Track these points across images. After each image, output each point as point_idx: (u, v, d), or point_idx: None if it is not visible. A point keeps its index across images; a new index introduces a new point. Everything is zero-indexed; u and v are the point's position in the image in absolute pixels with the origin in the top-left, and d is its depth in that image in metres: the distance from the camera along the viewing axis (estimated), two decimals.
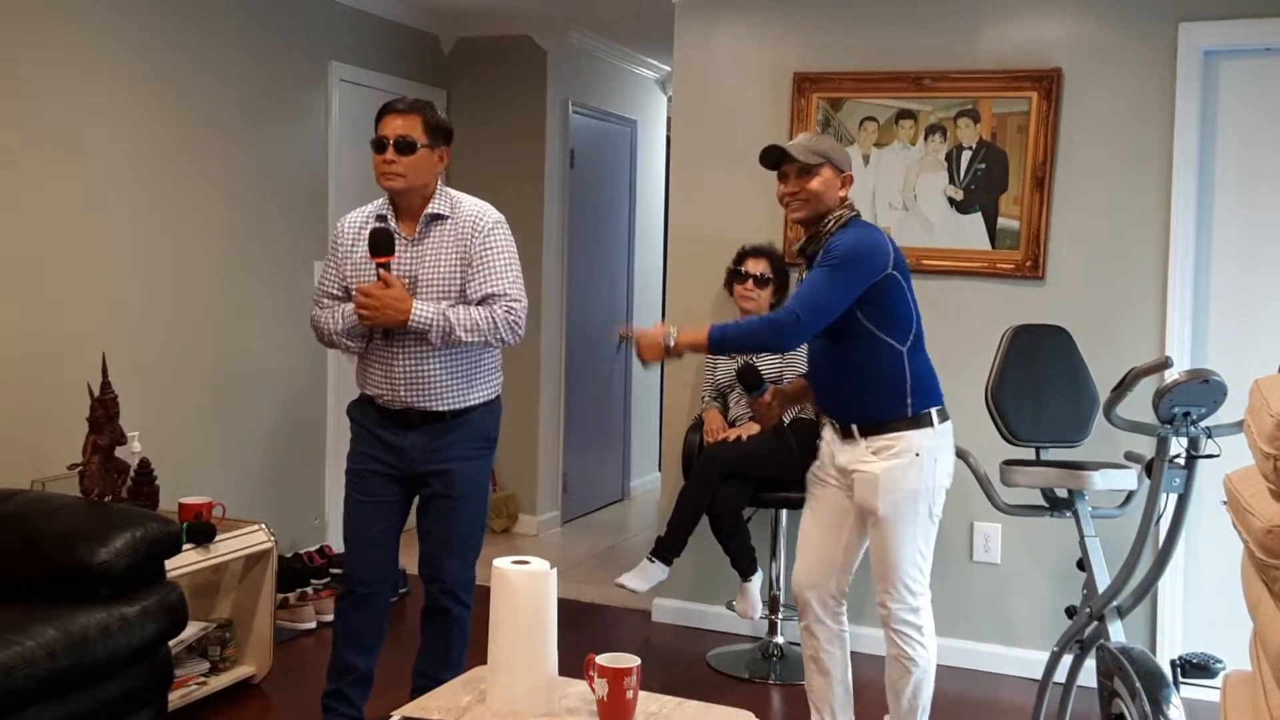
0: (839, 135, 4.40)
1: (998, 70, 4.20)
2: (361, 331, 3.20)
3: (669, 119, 5.99)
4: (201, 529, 3.70)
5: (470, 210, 3.25)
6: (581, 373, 6.54)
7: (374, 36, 5.56)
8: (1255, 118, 4.00)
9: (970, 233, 4.27)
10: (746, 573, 4.25)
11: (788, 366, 4.15)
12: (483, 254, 3.21)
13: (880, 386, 3.07)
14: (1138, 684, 2.75)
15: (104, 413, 3.68)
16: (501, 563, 2.36)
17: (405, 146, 3.14)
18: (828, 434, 3.26)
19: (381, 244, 3.12)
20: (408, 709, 2.41)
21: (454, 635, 3.41)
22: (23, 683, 2.75)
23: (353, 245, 3.26)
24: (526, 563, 2.37)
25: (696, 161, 4.68)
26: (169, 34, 4.36)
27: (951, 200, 4.29)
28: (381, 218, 3.22)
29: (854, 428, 3.11)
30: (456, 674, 3.40)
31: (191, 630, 3.71)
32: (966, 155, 4.26)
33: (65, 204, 3.97)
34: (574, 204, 6.34)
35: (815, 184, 3.05)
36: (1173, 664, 2.98)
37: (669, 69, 6.59)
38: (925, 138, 4.31)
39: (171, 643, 3.38)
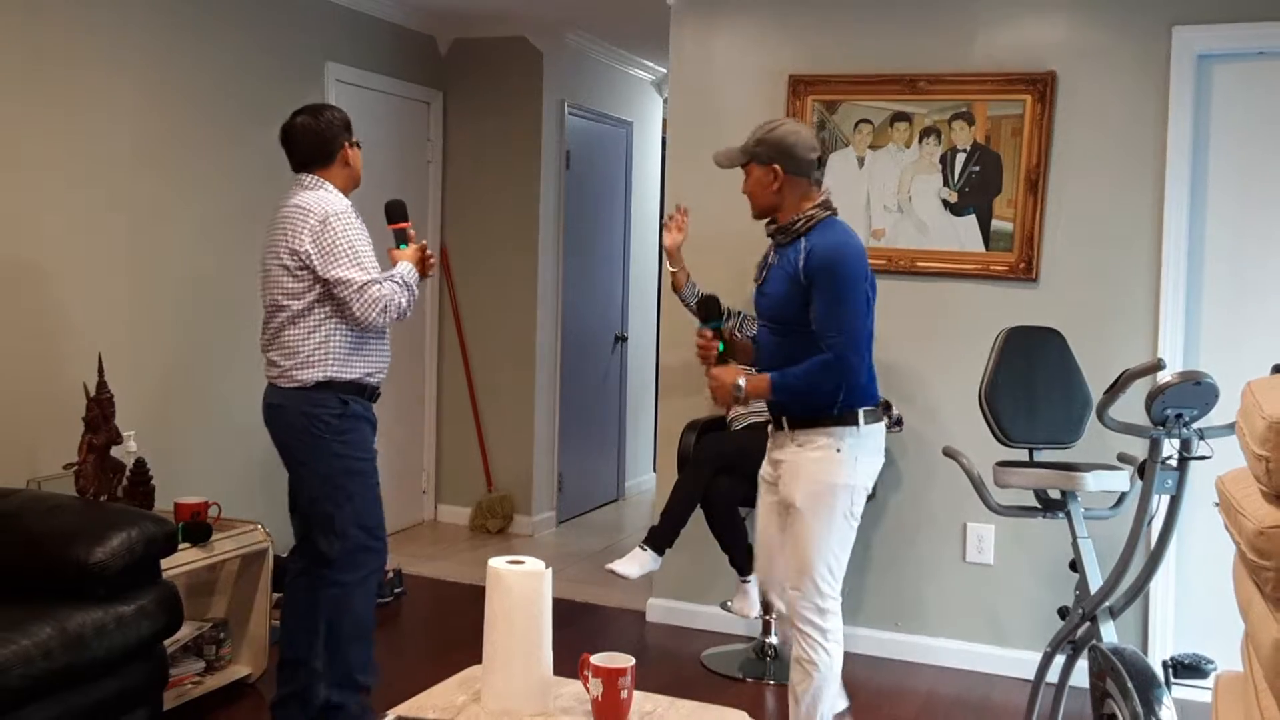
0: (834, 138, 4.41)
1: (992, 73, 4.21)
2: None
3: (665, 120, 6.00)
4: (197, 528, 3.70)
5: None
6: (577, 373, 6.54)
7: (370, 37, 5.56)
8: (1248, 121, 4.01)
9: (964, 235, 4.28)
10: (744, 570, 4.25)
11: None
12: None
13: None
14: (1130, 684, 2.77)
15: (100, 412, 3.69)
16: (497, 562, 2.37)
17: None
18: (770, 433, 3.29)
19: (405, 210, 3.52)
20: (402, 709, 2.41)
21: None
22: (18, 682, 2.76)
23: (362, 227, 3.39)
24: (521, 562, 2.37)
25: (692, 163, 4.68)
26: (166, 35, 4.36)
27: (946, 202, 4.31)
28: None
29: (784, 420, 3.12)
30: None
31: (187, 630, 3.72)
32: (961, 158, 4.28)
33: (61, 204, 3.98)
34: (569, 205, 6.35)
35: (748, 185, 3.14)
36: (1164, 664, 2.99)
37: (665, 71, 6.61)
38: (920, 140, 4.32)
39: (167, 642, 3.39)
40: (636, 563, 4.13)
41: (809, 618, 3.08)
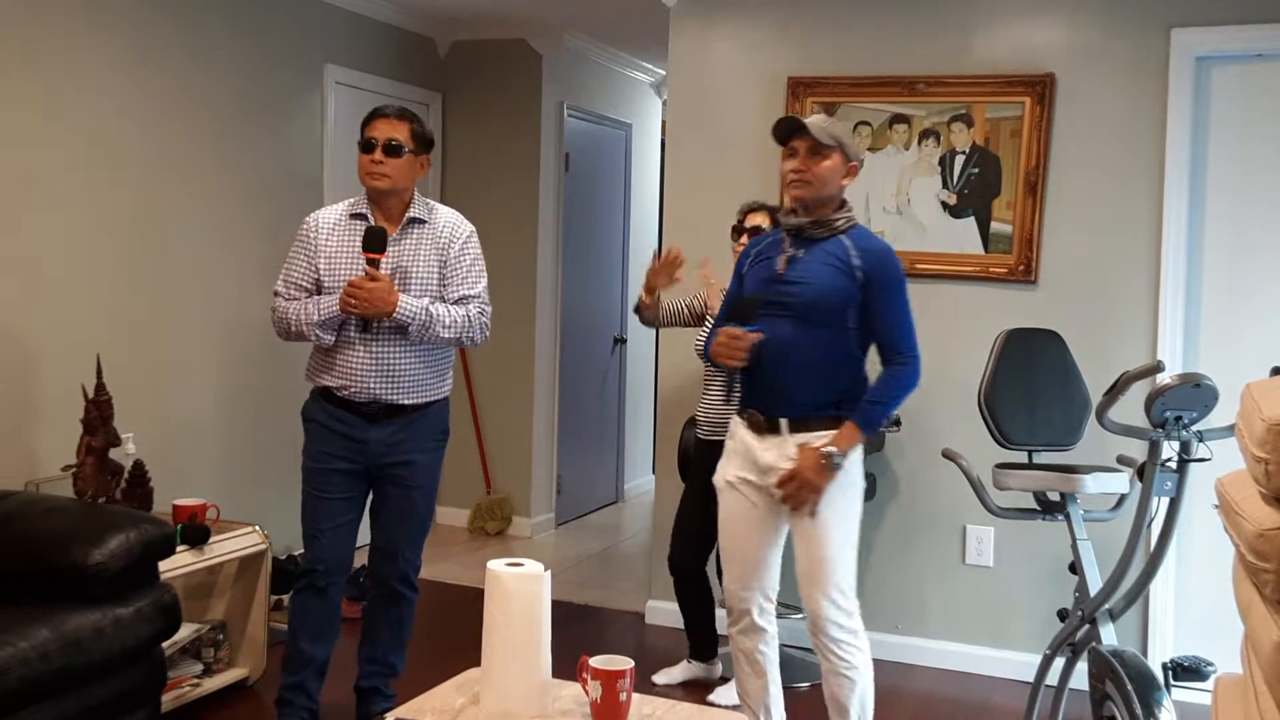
0: None
1: (991, 75, 4.21)
2: (336, 323, 3.27)
3: (664, 122, 6.00)
4: (195, 531, 3.70)
5: (448, 218, 3.46)
6: (576, 375, 6.54)
7: (370, 39, 5.56)
8: (1246, 123, 4.01)
9: (963, 237, 4.28)
10: (702, 653, 4.13)
11: None
12: (460, 259, 3.41)
13: (833, 384, 3.02)
14: (1129, 687, 2.76)
15: (98, 414, 3.68)
16: (495, 564, 2.37)
17: (393, 149, 3.29)
18: (739, 435, 3.14)
19: (377, 241, 3.24)
20: (401, 711, 2.41)
21: (406, 620, 3.57)
22: (16, 684, 2.75)
23: (327, 240, 3.33)
24: (520, 565, 2.37)
25: (691, 165, 4.69)
26: (166, 36, 4.36)
27: (945, 204, 4.31)
28: (360, 216, 3.35)
29: (783, 422, 3.02)
30: (403, 663, 3.58)
31: (185, 632, 3.71)
32: (960, 160, 4.28)
33: (60, 205, 3.97)
34: (569, 207, 6.34)
35: (823, 167, 2.99)
36: (1164, 667, 3.00)
37: (664, 73, 6.60)
38: (919, 142, 4.32)
39: (165, 644, 3.39)
40: (686, 672, 4.15)
41: (839, 622, 3.03)
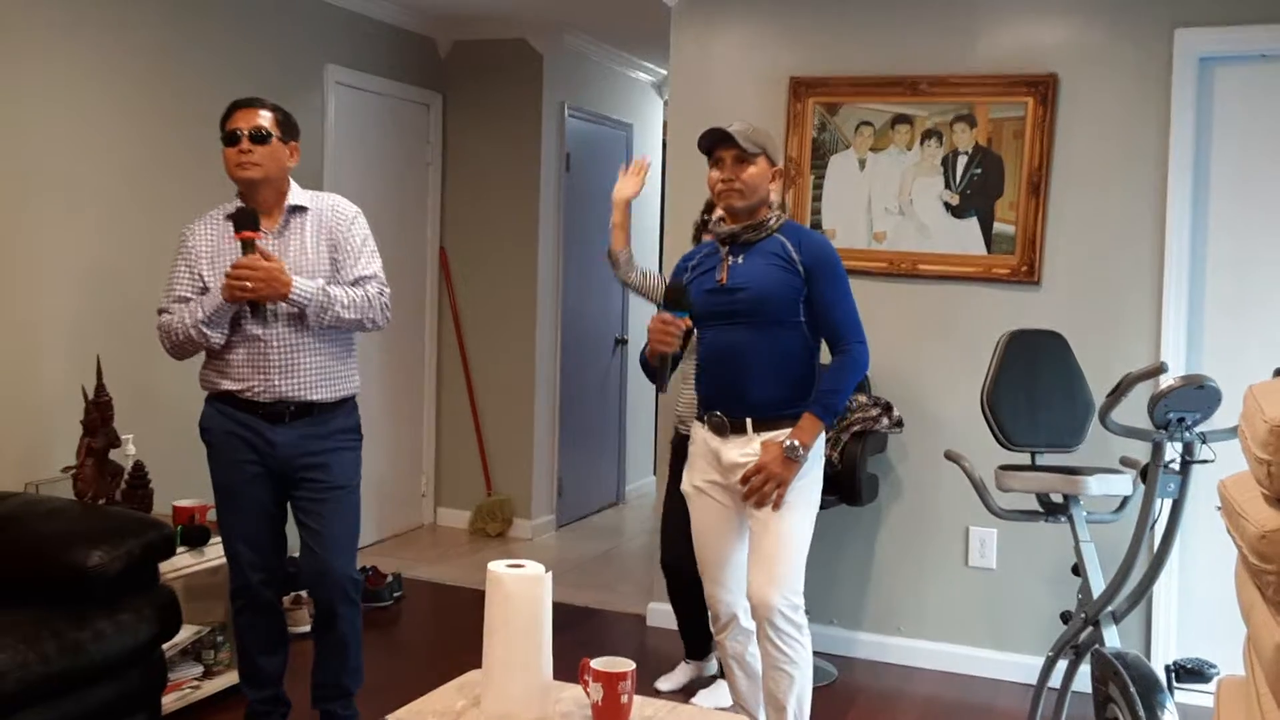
0: (835, 140, 4.41)
1: (994, 76, 4.21)
2: (225, 318, 3.11)
3: (665, 122, 6.00)
4: (195, 532, 3.70)
5: (329, 201, 3.30)
6: (576, 376, 6.54)
7: (370, 40, 5.56)
8: (1250, 124, 4.01)
9: (966, 238, 4.27)
10: (697, 651, 4.11)
11: None
12: (349, 240, 3.25)
13: (793, 381, 3.06)
14: (1132, 689, 2.76)
15: (98, 415, 3.68)
16: (496, 566, 2.36)
17: (260, 137, 3.17)
18: (701, 437, 3.16)
19: (250, 220, 3.08)
20: (401, 713, 2.40)
21: (351, 638, 3.34)
22: (15, 686, 2.75)
23: (202, 243, 3.21)
24: (521, 566, 2.36)
25: (692, 165, 4.66)
26: (166, 36, 4.36)
27: (947, 205, 4.30)
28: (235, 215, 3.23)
29: (748, 421, 3.05)
30: (358, 681, 3.37)
31: (185, 634, 3.71)
32: (962, 160, 4.27)
33: (61, 205, 3.97)
34: (569, 207, 6.34)
35: (750, 174, 3.05)
36: (1167, 669, 2.99)
37: (665, 73, 6.60)
38: (921, 142, 4.31)
39: (165, 646, 3.38)
40: (683, 674, 4.12)
41: (789, 615, 3.02)
